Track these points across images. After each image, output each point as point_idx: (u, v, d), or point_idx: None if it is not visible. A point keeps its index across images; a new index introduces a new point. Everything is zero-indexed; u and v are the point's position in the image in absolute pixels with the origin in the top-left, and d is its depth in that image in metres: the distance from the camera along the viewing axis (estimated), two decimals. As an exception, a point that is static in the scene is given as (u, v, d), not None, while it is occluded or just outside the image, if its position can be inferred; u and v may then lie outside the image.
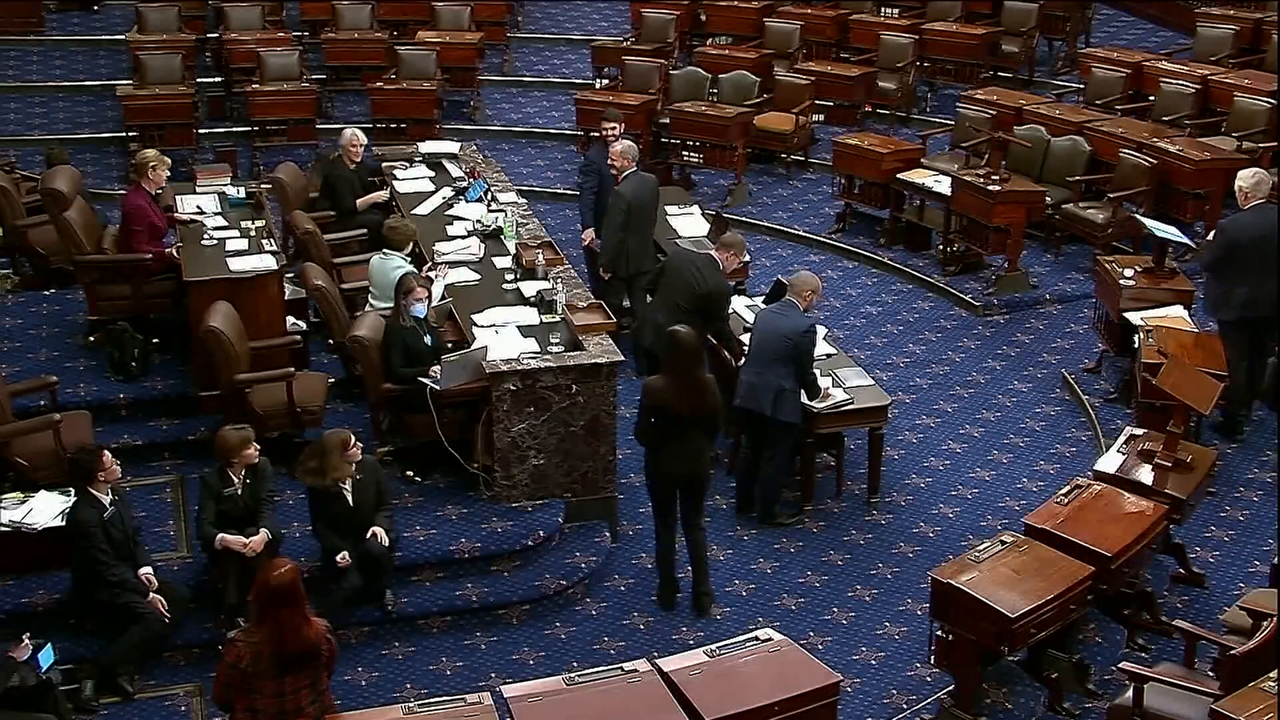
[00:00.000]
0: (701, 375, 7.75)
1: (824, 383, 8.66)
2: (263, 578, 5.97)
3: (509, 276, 9.58)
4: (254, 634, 5.91)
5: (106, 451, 7.46)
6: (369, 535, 7.64)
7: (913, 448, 9.62)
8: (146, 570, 7.45)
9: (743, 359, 8.76)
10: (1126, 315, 9.45)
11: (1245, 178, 9.22)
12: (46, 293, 10.63)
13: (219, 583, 7.67)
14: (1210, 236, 9.24)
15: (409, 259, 9.43)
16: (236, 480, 7.62)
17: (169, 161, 10.01)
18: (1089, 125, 12.39)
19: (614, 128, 10.71)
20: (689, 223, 11.13)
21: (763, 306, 9.15)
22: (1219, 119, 12.61)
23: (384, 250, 9.43)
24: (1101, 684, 7.19)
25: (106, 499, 7.37)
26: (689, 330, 7.86)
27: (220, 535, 7.49)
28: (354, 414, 9.23)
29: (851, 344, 10.74)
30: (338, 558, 7.56)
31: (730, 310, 9.44)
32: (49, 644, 7.00)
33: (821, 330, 9.44)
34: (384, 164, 11.40)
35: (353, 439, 7.70)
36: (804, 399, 8.51)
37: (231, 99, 14.68)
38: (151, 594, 7.39)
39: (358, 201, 10.80)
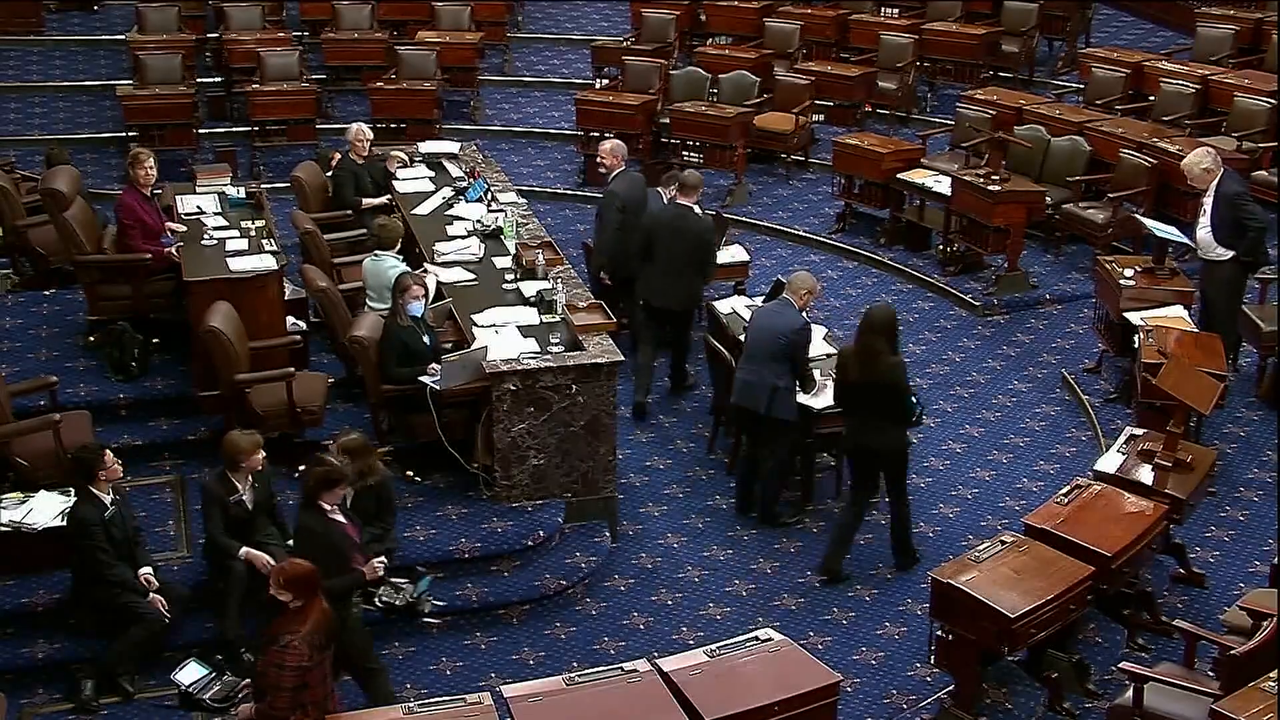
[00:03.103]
0: (879, 347, 7.87)
1: (823, 381, 8.67)
2: (290, 573, 6.00)
3: (509, 276, 9.58)
4: (300, 629, 5.92)
5: (108, 450, 7.46)
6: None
7: (913, 448, 9.57)
8: (146, 570, 7.43)
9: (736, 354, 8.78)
10: (1126, 315, 9.45)
11: (1203, 156, 9.53)
12: (46, 293, 10.63)
13: (218, 582, 7.65)
14: (1237, 202, 9.37)
15: (401, 258, 9.43)
16: (242, 486, 7.56)
17: (150, 153, 9.88)
18: (1089, 125, 12.38)
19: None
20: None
21: (760, 305, 9.16)
22: (1219, 119, 12.61)
23: (376, 251, 9.43)
24: (1101, 684, 7.19)
25: (107, 498, 7.37)
26: (882, 306, 8.25)
27: (245, 550, 7.41)
28: (354, 414, 9.23)
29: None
30: None
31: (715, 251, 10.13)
32: (429, 576, 7.57)
33: (821, 330, 9.47)
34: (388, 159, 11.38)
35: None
36: (800, 397, 8.51)
37: (231, 99, 14.68)
38: (152, 594, 7.38)
39: (363, 202, 10.79)
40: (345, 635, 6.60)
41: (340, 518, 6.95)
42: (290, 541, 7.49)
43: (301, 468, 8.54)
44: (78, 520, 7.30)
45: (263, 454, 7.62)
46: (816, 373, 8.70)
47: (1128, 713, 6.40)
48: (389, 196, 10.85)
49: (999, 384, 10.44)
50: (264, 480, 7.67)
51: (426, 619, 7.78)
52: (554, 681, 6.21)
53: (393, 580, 7.44)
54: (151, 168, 9.74)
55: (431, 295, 8.93)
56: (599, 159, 10.57)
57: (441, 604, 7.77)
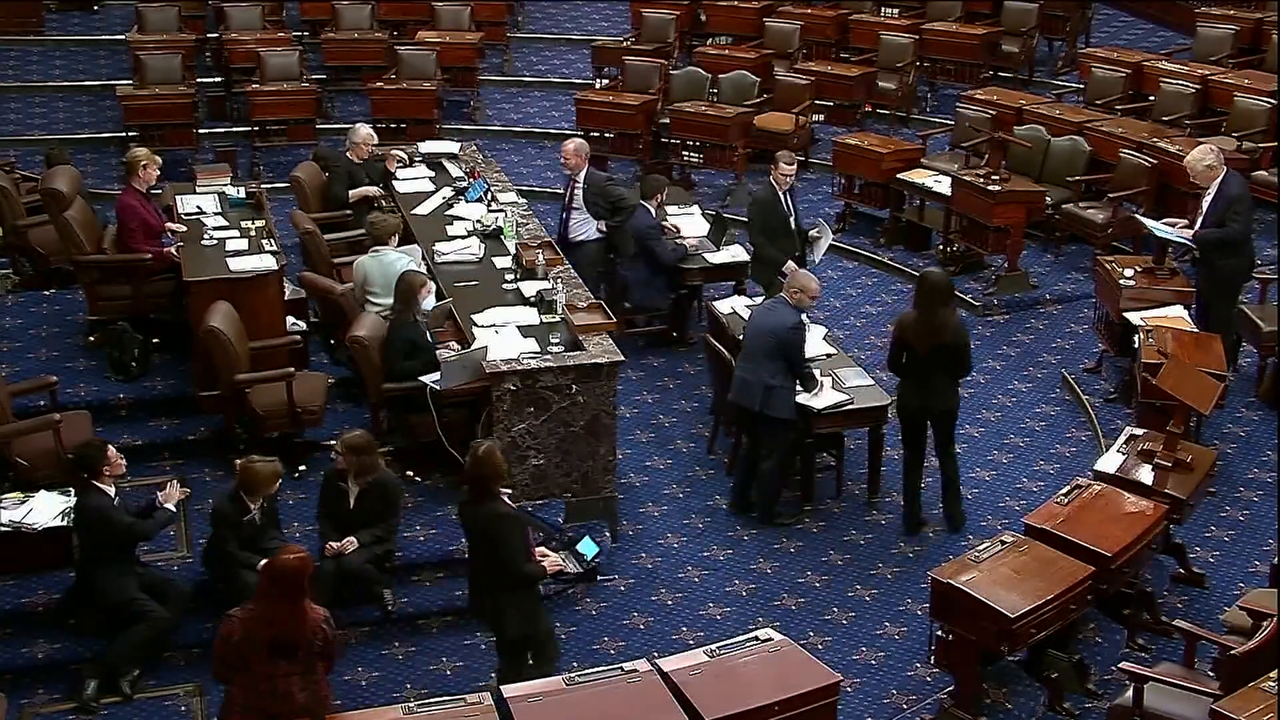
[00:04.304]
0: (943, 312, 8.16)
1: (823, 381, 8.67)
2: (272, 560, 6.03)
3: (509, 276, 9.58)
4: (250, 612, 5.98)
5: (111, 447, 7.44)
6: (341, 546, 7.61)
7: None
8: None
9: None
10: (1126, 315, 9.45)
11: (1205, 153, 9.54)
12: (46, 293, 10.64)
13: (219, 583, 7.64)
14: (1233, 206, 9.34)
15: (401, 250, 9.45)
16: (253, 507, 7.52)
17: (159, 160, 10.00)
18: (1089, 125, 12.39)
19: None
20: (689, 222, 11.13)
21: (758, 304, 9.17)
22: (1219, 119, 12.61)
23: (374, 248, 9.42)
24: (1101, 684, 7.19)
25: (110, 490, 7.36)
26: (938, 271, 8.72)
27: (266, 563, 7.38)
28: (354, 414, 9.22)
29: (851, 344, 10.73)
30: (326, 546, 7.61)
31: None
32: (586, 535, 8.01)
33: (821, 330, 9.47)
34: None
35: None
36: (801, 396, 8.52)
37: (231, 99, 14.68)
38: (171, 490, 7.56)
39: (351, 192, 10.78)
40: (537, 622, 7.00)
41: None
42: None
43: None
44: (92, 509, 7.27)
45: (280, 481, 7.60)
46: (816, 372, 8.70)
47: (1128, 713, 6.40)
48: (377, 190, 10.87)
49: (999, 384, 10.43)
50: (270, 498, 7.64)
51: (604, 579, 8.11)
52: (554, 681, 6.21)
53: (574, 551, 7.90)
54: (158, 171, 9.84)
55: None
56: (563, 159, 10.62)
57: (601, 558, 8.15)
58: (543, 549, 7.13)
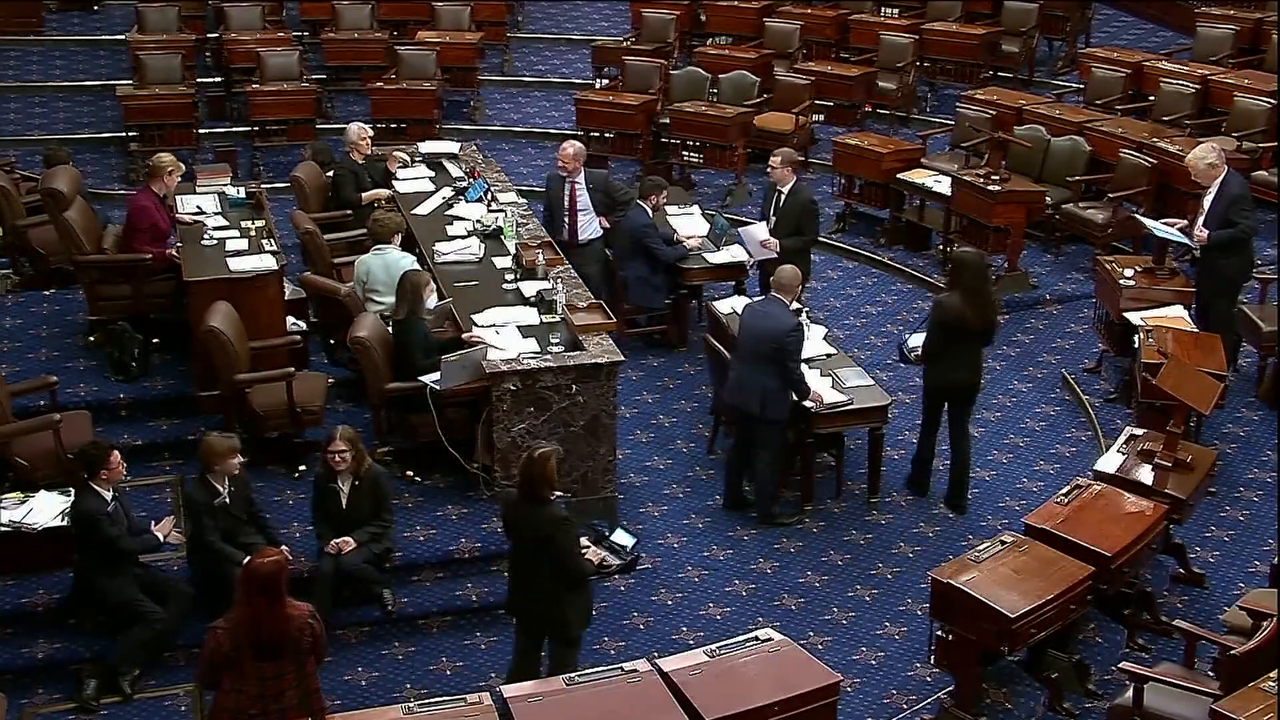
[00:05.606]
0: (988, 288, 8.60)
1: (821, 384, 8.66)
2: (248, 564, 6.04)
3: (509, 276, 9.59)
4: (232, 620, 6.00)
5: (116, 451, 7.43)
6: (337, 547, 7.62)
7: (913, 448, 9.57)
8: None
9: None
10: (1126, 315, 9.45)
11: (1207, 151, 9.55)
12: (46, 293, 10.63)
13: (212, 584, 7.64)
14: (1237, 204, 9.34)
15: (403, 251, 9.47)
16: (223, 489, 7.52)
17: (183, 168, 10.11)
18: (1089, 125, 12.39)
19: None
20: (689, 222, 11.13)
21: (749, 302, 9.16)
22: (1219, 119, 12.61)
23: (376, 247, 9.42)
24: (1101, 684, 7.20)
25: (107, 494, 7.36)
26: (972, 250, 9.03)
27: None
28: (354, 414, 9.22)
29: (851, 344, 10.73)
30: (328, 546, 7.62)
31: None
32: (618, 527, 7.98)
33: (821, 330, 9.46)
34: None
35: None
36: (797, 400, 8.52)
37: (231, 99, 14.69)
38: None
39: (362, 195, 10.78)
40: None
41: None
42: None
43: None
44: (83, 513, 7.28)
45: (239, 459, 7.58)
46: (815, 374, 8.69)
47: (1128, 713, 6.40)
48: (389, 192, 10.88)
49: (999, 384, 10.43)
50: (241, 483, 7.64)
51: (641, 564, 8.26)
52: (554, 681, 6.21)
53: (609, 544, 7.84)
54: (179, 179, 9.97)
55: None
56: (560, 163, 10.61)
57: (639, 548, 8.14)
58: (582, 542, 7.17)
